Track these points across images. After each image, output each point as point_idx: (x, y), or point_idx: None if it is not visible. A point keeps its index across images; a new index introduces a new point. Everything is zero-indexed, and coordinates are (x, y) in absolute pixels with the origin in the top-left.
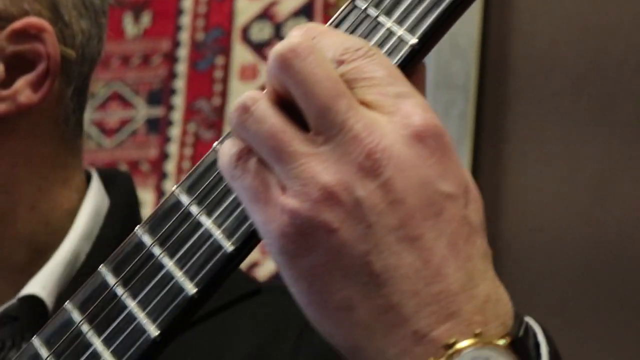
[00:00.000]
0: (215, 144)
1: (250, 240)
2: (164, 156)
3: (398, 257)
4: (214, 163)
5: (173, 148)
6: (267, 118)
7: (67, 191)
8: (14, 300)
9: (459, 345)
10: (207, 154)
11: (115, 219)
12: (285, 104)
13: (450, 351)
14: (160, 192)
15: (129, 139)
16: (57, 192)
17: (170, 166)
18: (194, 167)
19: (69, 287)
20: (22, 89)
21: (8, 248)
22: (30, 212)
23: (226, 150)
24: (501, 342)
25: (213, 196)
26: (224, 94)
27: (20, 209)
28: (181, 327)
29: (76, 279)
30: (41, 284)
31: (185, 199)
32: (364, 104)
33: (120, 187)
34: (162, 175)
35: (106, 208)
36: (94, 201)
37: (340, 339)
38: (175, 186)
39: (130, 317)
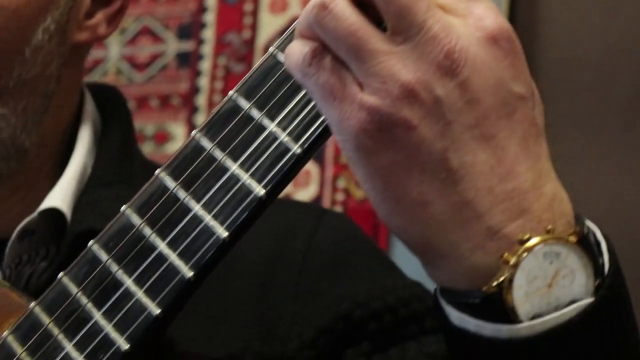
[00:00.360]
0: (271, 49)
1: (316, 142)
2: (194, 90)
3: (474, 154)
4: (272, 68)
5: (204, 82)
6: (346, 16)
7: (76, 108)
8: (34, 215)
9: (532, 242)
10: (263, 59)
11: (113, 131)
12: (360, 5)
13: (524, 247)
14: (191, 126)
15: (159, 74)
16: (75, 110)
17: (201, 100)
18: (249, 73)
19: (80, 199)
20: (101, 22)
21: (41, 164)
22: (63, 131)
23: (297, 49)
24: (570, 238)
25: (274, 100)
26: (253, 27)
27: (59, 129)
28: (248, 227)
29: (86, 191)
30: (60, 197)
31: (244, 103)
32: (437, 6)
33: (111, 100)
34: (193, 109)
35: (99, 121)
36: (91, 115)
37: (414, 234)
38: (232, 91)
39: (196, 220)
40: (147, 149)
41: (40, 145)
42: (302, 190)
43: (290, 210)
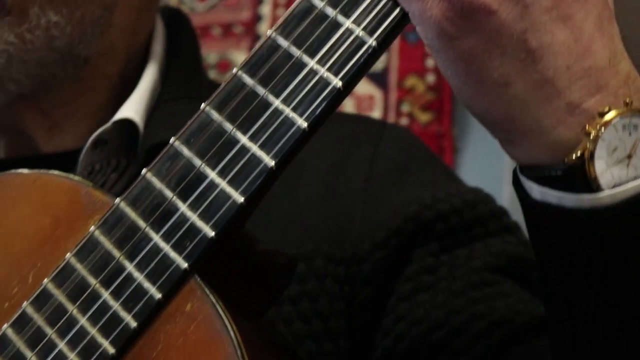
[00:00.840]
0: None
1: (390, 36)
2: (257, 18)
3: (552, 35)
4: None
5: (266, 9)
6: None
7: (149, 30)
8: (108, 124)
9: (611, 114)
10: None
11: (182, 49)
12: None
13: (604, 119)
14: None
15: (221, 2)
16: (149, 31)
17: (263, 28)
18: None
19: (152, 113)
20: None
21: (110, 76)
22: (137, 48)
23: None
24: None
25: None
26: None
27: (132, 45)
28: (326, 118)
29: (158, 106)
30: (133, 109)
31: (317, 2)
32: None
33: (177, 21)
34: (256, 37)
35: (167, 41)
36: (161, 35)
37: (497, 114)
38: None
39: (276, 113)
40: (210, 77)
41: (107, 56)
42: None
43: (353, 122)
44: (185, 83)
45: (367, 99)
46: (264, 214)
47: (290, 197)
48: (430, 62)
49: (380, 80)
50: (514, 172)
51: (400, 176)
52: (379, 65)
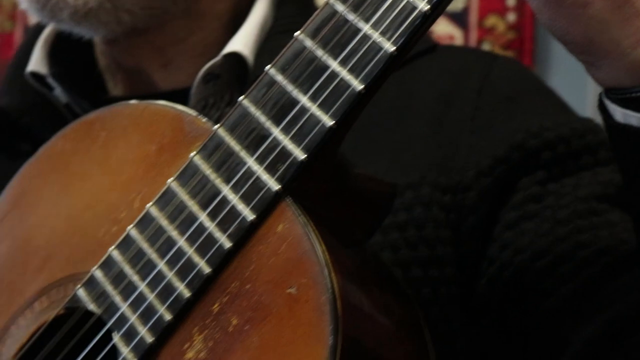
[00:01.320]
0: None
1: None
2: None
3: None
4: None
5: None
6: None
7: None
8: (218, 58)
9: None
10: None
11: None
12: None
13: None
14: None
15: None
16: None
17: None
18: None
19: (263, 47)
20: None
21: (220, 13)
22: None
23: None
24: None
25: None
26: None
27: None
28: (414, 42)
29: (269, 39)
30: (242, 42)
31: None
32: None
33: None
34: None
35: None
36: None
37: (576, 35)
38: None
39: (365, 38)
40: None
41: None
42: None
43: (464, 54)
44: (295, 16)
45: (447, 39)
46: (372, 143)
47: (398, 126)
48: (510, 1)
49: (460, 19)
50: (599, 96)
51: (508, 106)
52: (458, 5)
